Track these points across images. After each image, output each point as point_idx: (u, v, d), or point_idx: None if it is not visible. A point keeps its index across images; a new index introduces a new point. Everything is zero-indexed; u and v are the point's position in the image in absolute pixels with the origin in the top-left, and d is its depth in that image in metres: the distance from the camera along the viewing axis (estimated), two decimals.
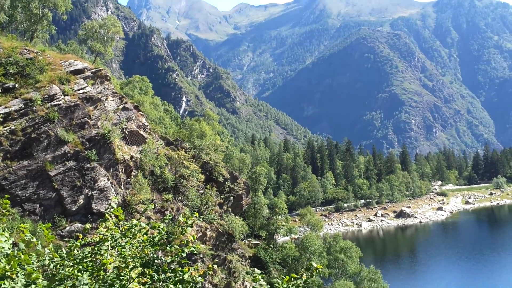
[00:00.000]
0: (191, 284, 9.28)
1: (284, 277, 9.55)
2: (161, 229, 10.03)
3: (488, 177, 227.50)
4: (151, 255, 9.72)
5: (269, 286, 9.60)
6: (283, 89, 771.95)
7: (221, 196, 53.52)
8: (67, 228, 33.74)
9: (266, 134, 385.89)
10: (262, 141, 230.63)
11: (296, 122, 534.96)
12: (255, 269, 10.33)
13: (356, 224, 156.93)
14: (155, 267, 9.45)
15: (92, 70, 41.76)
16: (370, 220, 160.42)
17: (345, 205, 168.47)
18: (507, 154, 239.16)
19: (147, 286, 9.37)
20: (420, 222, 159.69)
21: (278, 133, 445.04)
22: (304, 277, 9.46)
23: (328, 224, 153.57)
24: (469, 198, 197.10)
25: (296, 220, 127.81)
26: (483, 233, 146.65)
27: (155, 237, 9.96)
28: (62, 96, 36.42)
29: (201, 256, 43.87)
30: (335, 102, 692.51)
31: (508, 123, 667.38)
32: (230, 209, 55.05)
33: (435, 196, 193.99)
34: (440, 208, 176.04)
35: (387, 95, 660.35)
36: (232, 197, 55.88)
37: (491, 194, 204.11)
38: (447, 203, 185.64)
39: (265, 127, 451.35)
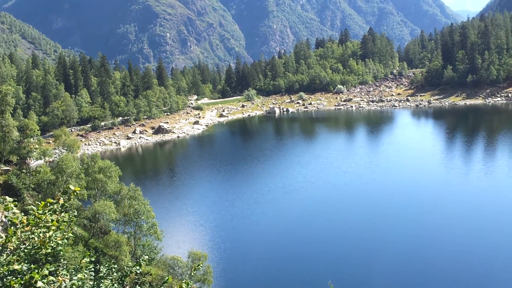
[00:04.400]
0: None
1: (39, 202, 9.25)
2: None
3: (240, 90, 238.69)
4: None
5: (23, 214, 9.12)
6: None
7: None
8: None
9: (11, 49, 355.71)
10: (7, 57, 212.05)
11: (44, 36, 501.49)
12: (7, 197, 9.80)
13: (115, 142, 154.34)
14: None
15: None
16: (128, 138, 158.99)
17: (103, 123, 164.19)
18: (257, 67, 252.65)
19: None
20: (178, 137, 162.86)
21: (25, 48, 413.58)
22: (61, 201, 9.35)
23: (85, 144, 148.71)
24: (223, 111, 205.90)
25: (50, 141, 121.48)
26: (235, 144, 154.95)
27: None
28: None
29: None
30: (86, 13, 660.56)
31: (257, 36, 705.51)
32: None
33: (191, 111, 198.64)
34: (196, 122, 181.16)
35: (141, 6, 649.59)
36: None
37: (243, 106, 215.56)
38: (203, 117, 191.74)
39: (9, 41, 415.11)
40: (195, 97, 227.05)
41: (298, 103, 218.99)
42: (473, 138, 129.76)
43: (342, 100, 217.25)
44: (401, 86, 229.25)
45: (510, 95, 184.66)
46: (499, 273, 51.74)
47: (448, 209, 72.33)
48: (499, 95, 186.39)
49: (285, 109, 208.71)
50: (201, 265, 12.23)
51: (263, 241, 66.33)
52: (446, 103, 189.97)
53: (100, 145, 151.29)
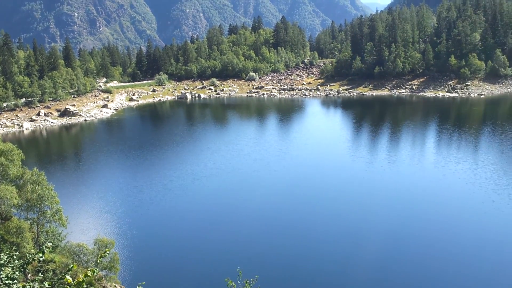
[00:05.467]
0: None
1: None
2: None
3: (151, 74, 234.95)
4: None
5: None
6: None
7: None
8: None
9: None
10: None
11: None
12: None
13: (17, 125, 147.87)
14: None
15: None
16: (32, 120, 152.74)
17: (4, 104, 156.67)
18: (168, 51, 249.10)
19: None
20: (85, 120, 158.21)
21: None
22: None
23: None
24: (133, 95, 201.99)
25: None
26: (145, 129, 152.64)
27: None
28: None
29: None
30: None
31: (169, 20, 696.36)
32: None
33: (100, 94, 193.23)
34: (105, 106, 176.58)
35: None
36: None
37: (154, 90, 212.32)
38: (112, 101, 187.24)
39: None
40: (104, 80, 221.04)
41: (210, 89, 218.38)
42: (378, 128, 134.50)
43: (254, 87, 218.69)
44: (312, 75, 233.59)
45: (414, 87, 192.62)
46: (402, 253, 54.01)
47: (351, 196, 74.75)
48: (404, 87, 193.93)
49: (197, 95, 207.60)
50: (108, 252, 11.76)
51: (171, 228, 65.78)
52: (354, 93, 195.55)
53: (1, 127, 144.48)
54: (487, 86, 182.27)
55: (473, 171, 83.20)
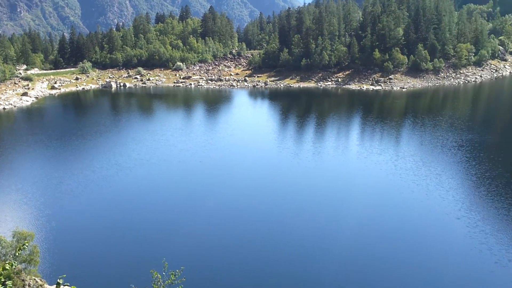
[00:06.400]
0: None
1: None
2: None
3: (74, 62, 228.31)
4: None
5: None
6: None
7: None
8: None
9: None
10: None
11: None
12: None
13: None
14: None
15: None
16: None
17: None
18: (93, 39, 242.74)
19: None
20: (4, 108, 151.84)
21: None
22: None
23: None
24: (55, 83, 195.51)
25: None
26: (67, 118, 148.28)
27: None
28: None
29: None
30: None
31: (94, 6, 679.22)
32: None
33: (19, 81, 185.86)
34: (25, 94, 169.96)
35: None
36: None
37: (77, 79, 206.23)
38: (33, 88, 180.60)
39: None
40: (24, 67, 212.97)
41: (136, 78, 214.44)
42: (304, 119, 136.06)
43: (181, 77, 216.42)
44: (240, 66, 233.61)
45: (339, 79, 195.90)
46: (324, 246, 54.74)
47: (276, 187, 75.27)
48: (330, 80, 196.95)
49: (122, 84, 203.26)
50: (27, 244, 11.10)
51: (93, 220, 64.10)
52: (282, 85, 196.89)
53: None
54: (409, 80, 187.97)
55: (394, 162, 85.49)
